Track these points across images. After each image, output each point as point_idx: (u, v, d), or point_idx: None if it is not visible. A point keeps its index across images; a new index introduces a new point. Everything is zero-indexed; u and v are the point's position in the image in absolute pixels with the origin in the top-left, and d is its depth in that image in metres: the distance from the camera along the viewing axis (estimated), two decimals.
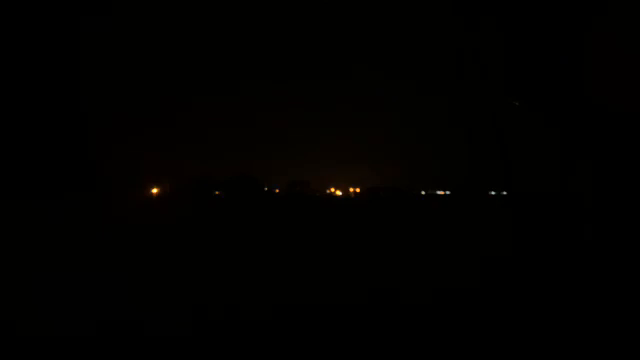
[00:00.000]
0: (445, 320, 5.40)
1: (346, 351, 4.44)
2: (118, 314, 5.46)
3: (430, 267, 9.04)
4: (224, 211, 29.21)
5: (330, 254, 10.56)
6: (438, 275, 8.18)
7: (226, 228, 17.37)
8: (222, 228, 17.37)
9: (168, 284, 7.14)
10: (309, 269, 8.66)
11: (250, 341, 4.66)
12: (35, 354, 4.32)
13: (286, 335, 4.83)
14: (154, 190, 54.48)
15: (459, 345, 4.60)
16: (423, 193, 68.72)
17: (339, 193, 75.33)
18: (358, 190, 74.41)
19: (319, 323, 5.22)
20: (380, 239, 13.89)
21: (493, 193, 55.74)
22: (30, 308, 5.65)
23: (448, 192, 67.19)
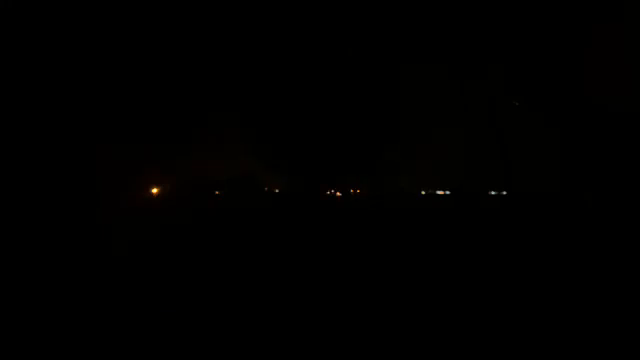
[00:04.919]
0: (443, 320, 5.41)
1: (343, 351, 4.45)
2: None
3: (430, 266, 9.05)
4: (224, 211, 29.19)
5: (329, 254, 10.56)
6: (438, 275, 8.19)
7: (226, 228, 17.36)
8: (222, 228, 17.36)
9: (166, 284, 7.15)
10: (308, 268, 8.67)
11: (248, 340, 4.68)
12: None
13: (283, 335, 4.84)
14: (154, 190, 54.49)
15: (455, 345, 4.62)
16: (423, 193, 68.68)
17: (339, 194, 75.36)
18: (359, 191, 74.38)
19: (318, 322, 5.23)
20: (379, 239, 13.88)
21: (493, 193, 55.58)
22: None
23: (448, 192, 67.13)
